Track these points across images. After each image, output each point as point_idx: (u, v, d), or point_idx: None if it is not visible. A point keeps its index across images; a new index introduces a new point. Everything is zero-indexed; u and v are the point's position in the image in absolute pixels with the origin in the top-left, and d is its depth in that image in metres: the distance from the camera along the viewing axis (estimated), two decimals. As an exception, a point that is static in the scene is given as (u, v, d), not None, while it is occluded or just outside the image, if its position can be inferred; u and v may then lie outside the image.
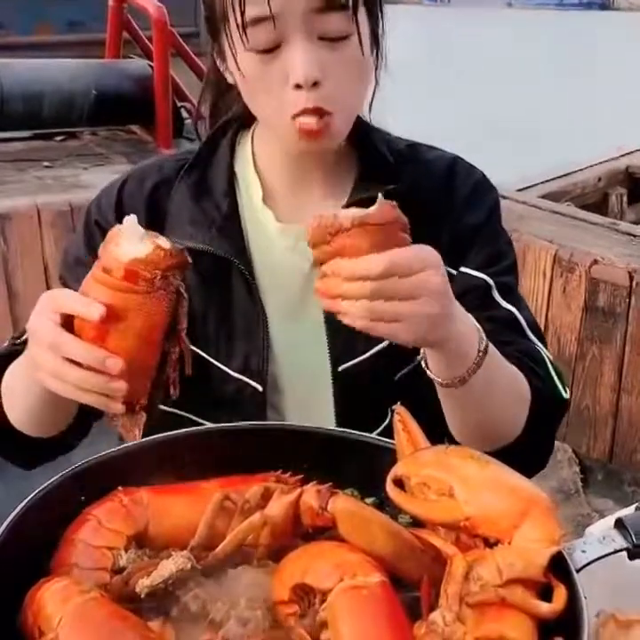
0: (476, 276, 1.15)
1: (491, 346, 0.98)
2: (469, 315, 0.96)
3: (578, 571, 0.76)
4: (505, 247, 1.22)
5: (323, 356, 1.14)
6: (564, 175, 3.69)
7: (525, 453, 1.07)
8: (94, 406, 0.89)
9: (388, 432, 1.06)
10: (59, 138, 4.01)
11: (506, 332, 1.13)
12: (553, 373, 1.14)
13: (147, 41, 4.17)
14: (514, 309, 1.16)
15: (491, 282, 1.15)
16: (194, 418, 1.13)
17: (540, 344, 1.17)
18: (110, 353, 0.85)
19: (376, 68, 1.08)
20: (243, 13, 0.95)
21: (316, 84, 0.97)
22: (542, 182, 3.54)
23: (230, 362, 1.13)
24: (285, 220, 1.14)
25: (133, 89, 3.94)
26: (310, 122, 0.99)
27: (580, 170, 3.80)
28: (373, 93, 1.11)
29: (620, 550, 0.79)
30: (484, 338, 0.96)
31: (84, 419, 1.10)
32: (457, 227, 1.15)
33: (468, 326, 0.95)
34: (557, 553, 0.75)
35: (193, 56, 4.21)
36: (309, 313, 1.14)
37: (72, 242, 1.20)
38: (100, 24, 4.72)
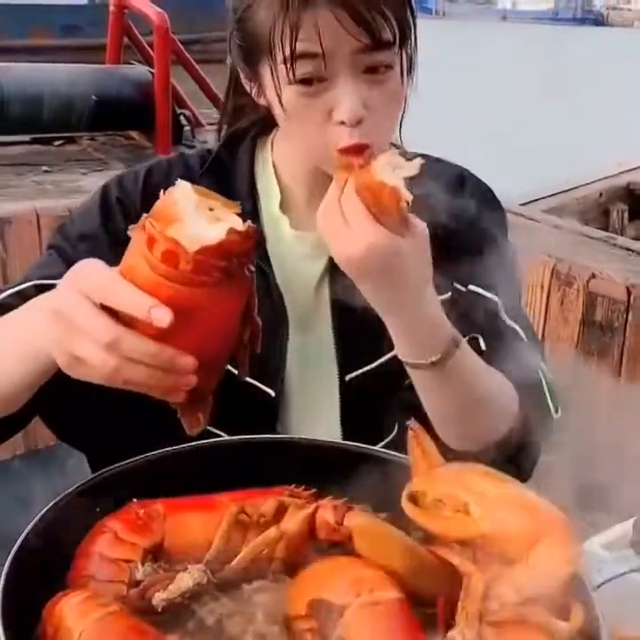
0: (484, 296, 1.17)
1: (466, 346, 1.00)
2: (443, 315, 0.98)
3: (594, 589, 0.77)
4: (511, 262, 1.24)
5: (330, 365, 1.14)
6: (566, 191, 3.72)
7: (503, 463, 1.07)
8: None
9: (394, 445, 1.07)
10: (57, 142, 4.00)
11: (508, 350, 1.14)
12: (546, 392, 1.15)
13: (147, 47, 4.18)
14: (517, 327, 1.18)
15: (499, 302, 1.17)
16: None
17: (540, 359, 1.19)
18: (178, 350, 0.73)
19: (407, 99, 1.09)
20: (294, 48, 0.94)
21: (359, 122, 0.98)
22: (543, 197, 3.56)
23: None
24: (300, 228, 1.14)
25: (133, 95, 3.94)
26: (354, 158, 0.97)
27: (582, 185, 3.83)
28: (402, 117, 1.12)
29: (636, 570, 0.79)
30: (460, 338, 0.98)
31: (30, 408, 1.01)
32: (467, 242, 1.17)
33: (436, 317, 0.97)
34: (574, 572, 0.75)
35: (193, 63, 4.22)
36: (319, 321, 1.14)
37: (76, 217, 1.14)
38: (97, 29, 4.73)
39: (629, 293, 2.73)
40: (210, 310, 0.74)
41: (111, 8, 4.17)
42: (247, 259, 0.74)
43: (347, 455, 0.96)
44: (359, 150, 0.98)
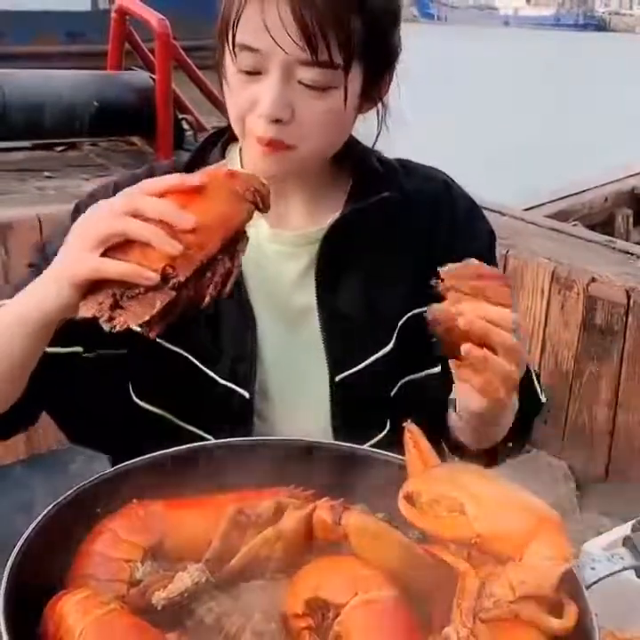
0: None
1: None
2: None
3: (587, 587, 0.78)
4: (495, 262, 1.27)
5: (318, 365, 1.14)
6: (572, 195, 3.74)
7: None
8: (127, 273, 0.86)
9: (384, 444, 1.09)
10: (59, 148, 4.02)
11: None
12: (534, 378, 1.20)
13: (148, 53, 4.20)
14: None
15: None
16: (182, 423, 1.14)
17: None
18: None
19: (381, 121, 1.12)
20: (234, 37, 1.00)
21: (279, 121, 1.01)
22: (549, 202, 3.58)
23: (217, 367, 1.13)
24: (275, 227, 1.15)
25: (135, 100, 3.95)
26: (267, 148, 1.02)
27: (588, 190, 3.86)
28: (376, 138, 1.14)
29: (629, 568, 0.80)
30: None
31: (31, 404, 1.07)
32: (460, 249, 1.18)
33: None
34: (568, 570, 0.76)
35: (195, 69, 4.23)
36: (305, 321, 1.14)
37: (53, 235, 1.17)
38: (101, 35, 4.75)
39: (629, 297, 2.74)
40: (221, 202, 0.90)
41: (113, 14, 4.18)
42: (257, 198, 0.92)
43: (344, 456, 0.97)
44: (274, 145, 1.02)
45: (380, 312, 1.14)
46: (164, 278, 0.86)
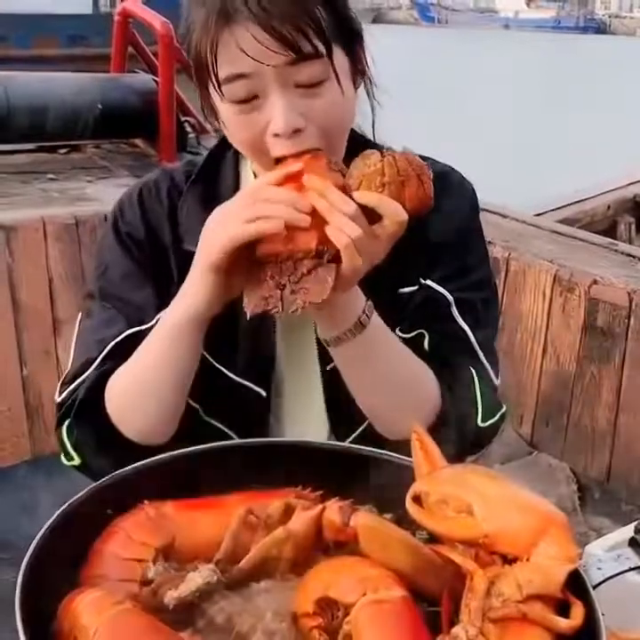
0: (437, 290, 1.18)
1: (380, 325, 1.06)
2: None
3: (594, 587, 0.78)
4: (476, 262, 1.24)
5: (313, 357, 1.17)
6: (574, 203, 3.75)
7: None
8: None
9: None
10: (63, 150, 4.04)
11: (452, 350, 1.17)
12: (478, 399, 1.15)
13: (152, 56, 4.21)
14: (468, 329, 1.19)
15: (450, 298, 1.18)
16: (207, 418, 1.18)
17: (488, 368, 1.19)
18: None
19: (371, 95, 1.13)
20: (216, 74, 1.00)
21: (297, 131, 1.01)
22: (551, 210, 3.60)
23: (235, 366, 1.17)
24: None
25: (138, 103, 3.97)
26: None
27: (589, 198, 3.87)
28: (373, 121, 1.16)
29: (636, 568, 0.81)
30: (372, 310, 1.04)
31: None
32: (434, 235, 1.19)
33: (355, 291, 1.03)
34: (574, 570, 0.77)
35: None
36: (302, 316, 1.17)
37: (109, 262, 1.21)
38: (102, 38, 4.77)
39: (631, 299, 2.75)
40: None
41: (116, 17, 4.20)
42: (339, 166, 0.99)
43: (353, 458, 0.97)
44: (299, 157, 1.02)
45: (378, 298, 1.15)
46: (319, 254, 0.93)
